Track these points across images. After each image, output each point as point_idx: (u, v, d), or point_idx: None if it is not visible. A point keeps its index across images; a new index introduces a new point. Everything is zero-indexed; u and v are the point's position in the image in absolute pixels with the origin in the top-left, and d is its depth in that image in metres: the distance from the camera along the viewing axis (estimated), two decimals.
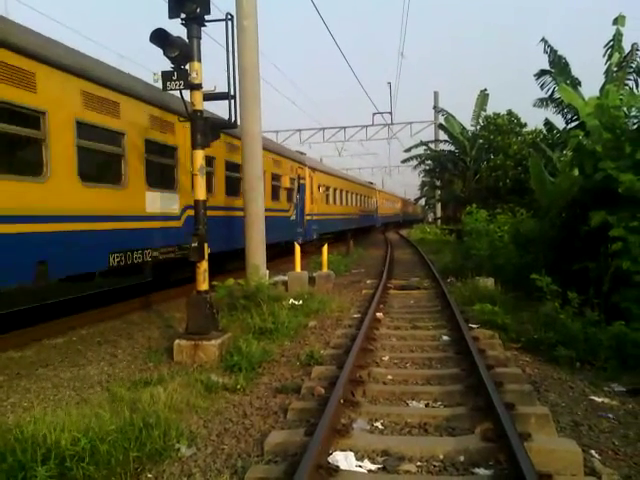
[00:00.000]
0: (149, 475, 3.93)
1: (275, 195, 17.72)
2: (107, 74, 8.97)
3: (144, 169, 9.76)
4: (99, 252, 8.52)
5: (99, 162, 9.14)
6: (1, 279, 6.92)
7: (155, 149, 10.17)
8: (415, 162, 34.67)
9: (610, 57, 14.20)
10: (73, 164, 7.98)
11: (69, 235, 7.85)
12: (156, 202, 9.99)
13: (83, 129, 8.21)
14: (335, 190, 28.79)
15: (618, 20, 13.95)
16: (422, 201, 65.60)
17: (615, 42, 14.10)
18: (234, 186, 13.67)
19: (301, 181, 21.03)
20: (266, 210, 12.01)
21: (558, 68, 15.55)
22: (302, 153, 24.39)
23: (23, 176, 7.24)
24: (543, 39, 16.11)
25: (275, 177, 17.78)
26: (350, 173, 41.80)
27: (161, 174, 10.49)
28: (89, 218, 8.29)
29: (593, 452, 4.18)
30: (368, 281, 14.47)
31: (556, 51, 15.77)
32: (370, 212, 42.15)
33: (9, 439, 3.95)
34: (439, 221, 43.85)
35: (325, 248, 14.35)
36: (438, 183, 36.75)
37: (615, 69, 14.15)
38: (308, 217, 21.96)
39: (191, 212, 8.24)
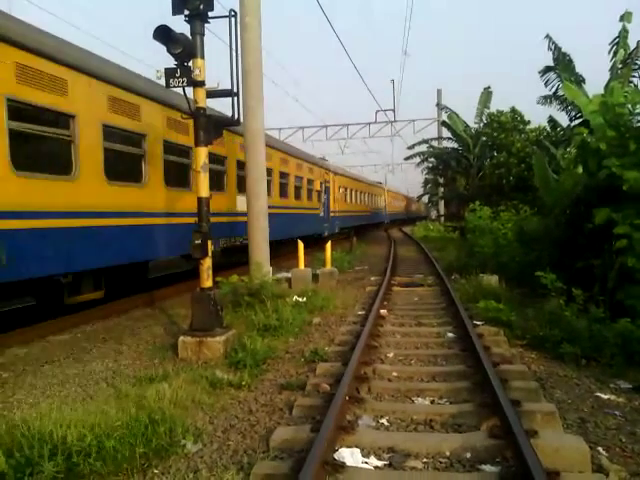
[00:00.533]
0: (155, 471, 3.93)
1: (309, 197, 22.11)
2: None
3: (236, 180, 13.96)
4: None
5: (218, 178, 12.85)
6: (170, 252, 11.02)
7: (240, 166, 13.55)
8: (418, 159, 34.68)
9: (615, 54, 14.16)
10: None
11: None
12: (242, 203, 12.48)
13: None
14: (352, 190, 33.25)
15: (625, 17, 13.89)
16: (425, 198, 65.65)
17: (621, 39, 14.06)
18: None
19: (326, 184, 24.96)
20: (304, 209, 19.65)
21: (562, 65, 15.52)
22: (324, 159, 27.60)
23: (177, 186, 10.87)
24: (547, 36, 16.09)
25: (310, 182, 22.05)
26: (353, 171, 41.75)
27: (241, 183, 13.44)
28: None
29: (600, 449, 4.17)
30: (372, 278, 14.45)
31: (560, 48, 15.75)
32: (380, 209, 47.03)
33: (16, 435, 3.97)
34: (442, 218, 43.84)
35: (329, 245, 14.34)
36: (441, 180, 36.76)
37: (620, 66, 14.12)
38: (332, 214, 26.04)
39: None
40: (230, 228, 13.13)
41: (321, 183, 23.76)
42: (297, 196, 20.14)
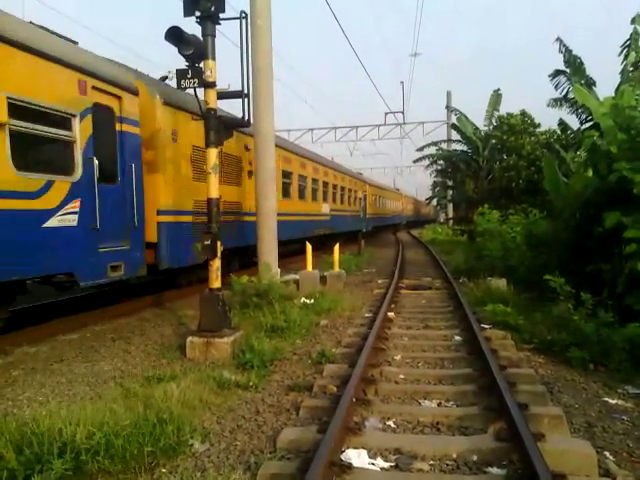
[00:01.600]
0: (163, 470, 3.96)
1: (355, 203, 31.96)
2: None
3: (323, 193, 23.28)
4: (311, 228, 20.78)
5: (313, 190, 21.80)
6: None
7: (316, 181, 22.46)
8: (427, 162, 34.60)
9: (626, 57, 14.08)
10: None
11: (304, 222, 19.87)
12: (325, 208, 23.32)
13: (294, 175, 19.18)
14: (379, 197, 43.15)
15: (636, 19, 13.82)
16: (434, 201, 65.60)
17: (632, 41, 13.98)
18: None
19: (364, 193, 34.83)
20: (352, 212, 30.57)
21: (573, 68, 15.46)
22: (360, 173, 37.48)
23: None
24: (558, 38, 16.03)
25: (355, 192, 31.88)
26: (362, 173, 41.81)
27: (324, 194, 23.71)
28: (302, 215, 19.67)
29: (607, 454, 4.16)
30: (379, 281, 14.46)
31: (571, 50, 15.69)
32: (399, 212, 57.17)
33: (26, 432, 4.00)
34: (451, 221, 43.72)
35: (337, 247, 14.35)
36: (450, 183, 36.62)
37: (631, 69, 14.04)
38: (368, 216, 35.79)
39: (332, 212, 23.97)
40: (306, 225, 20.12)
41: (362, 192, 34.18)
42: (349, 203, 30.22)
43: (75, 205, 7.63)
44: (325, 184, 23.82)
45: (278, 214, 11.70)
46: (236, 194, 13.34)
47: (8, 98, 6.56)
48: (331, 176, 25.33)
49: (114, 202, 8.54)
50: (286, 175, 17.83)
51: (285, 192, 17.73)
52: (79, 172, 7.76)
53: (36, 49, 7.09)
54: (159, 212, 9.90)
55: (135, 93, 9.17)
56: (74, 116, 7.71)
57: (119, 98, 8.73)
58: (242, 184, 13.74)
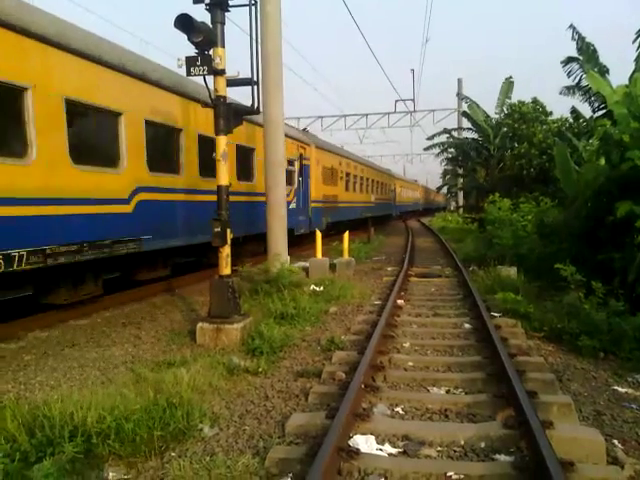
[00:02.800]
0: (173, 454, 4.00)
1: (388, 193, 40.94)
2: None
3: (369, 186, 32.78)
4: (365, 210, 30.35)
5: (365, 185, 31.68)
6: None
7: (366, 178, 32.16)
8: (438, 150, 34.41)
9: None
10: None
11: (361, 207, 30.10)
12: (372, 197, 33.36)
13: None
14: (404, 189, 53.49)
15: None
16: (444, 189, 65.51)
17: None
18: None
19: (394, 186, 44.64)
20: (386, 200, 39.93)
21: (586, 55, 15.25)
22: (389, 170, 45.60)
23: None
24: (571, 26, 15.80)
25: (387, 185, 40.28)
26: (372, 161, 41.78)
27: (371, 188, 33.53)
28: (360, 202, 29.81)
29: (616, 442, 4.16)
30: (389, 268, 14.45)
31: (584, 38, 15.46)
32: (418, 200, 67.95)
33: (38, 416, 4.07)
34: (461, 209, 43.53)
35: (346, 235, 14.34)
36: (461, 171, 36.42)
37: None
38: (397, 204, 46.54)
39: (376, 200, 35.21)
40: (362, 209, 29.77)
41: (392, 185, 43.23)
42: (385, 193, 39.21)
43: (295, 198, 17.18)
44: (370, 180, 32.88)
45: (344, 202, 24.33)
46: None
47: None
48: (373, 174, 34.00)
49: (304, 196, 18.40)
50: (348, 175, 26.54)
51: (347, 187, 26.47)
52: (296, 184, 17.41)
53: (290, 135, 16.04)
54: (311, 201, 19.48)
55: (307, 144, 19.23)
56: (296, 160, 17.41)
57: (304, 148, 18.56)
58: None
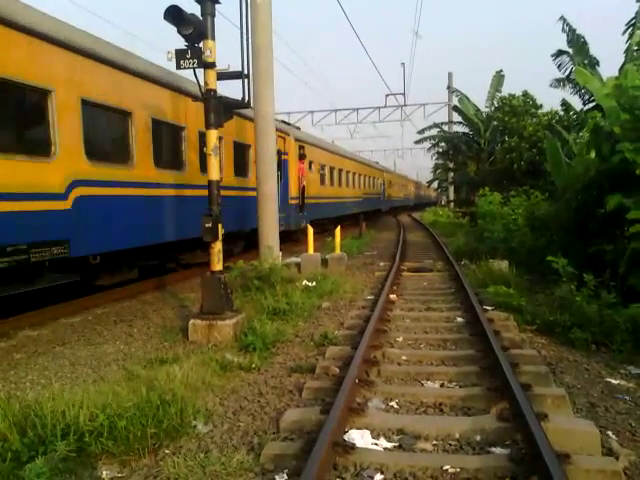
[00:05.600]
0: (167, 451, 3.96)
1: (376, 186, 39.93)
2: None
3: (356, 180, 31.64)
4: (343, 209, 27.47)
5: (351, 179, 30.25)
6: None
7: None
8: (428, 144, 34.44)
9: (631, 36, 13.89)
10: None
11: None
12: (357, 192, 32.11)
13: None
14: (396, 184, 53.86)
15: None
16: (435, 184, 65.79)
17: (637, 20, 13.78)
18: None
19: (384, 179, 43.56)
20: (379, 194, 41.37)
21: (576, 47, 15.29)
22: (377, 163, 46.39)
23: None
24: (562, 17, 15.84)
25: (376, 179, 39.85)
26: (362, 155, 41.77)
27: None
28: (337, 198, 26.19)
29: (610, 433, 4.16)
30: (381, 263, 14.45)
31: (575, 30, 15.49)
32: (408, 195, 67.49)
33: (29, 414, 4.01)
34: (452, 204, 43.64)
35: (338, 230, 14.32)
36: (451, 165, 36.49)
37: (636, 48, 13.86)
38: (387, 198, 45.71)
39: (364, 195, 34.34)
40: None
41: (380, 179, 41.91)
42: (373, 187, 38.16)
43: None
44: (357, 174, 31.68)
45: (329, 197, 23.44)
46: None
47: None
48: (361, 168, 32.90)
49: (282, 192, 15.90)
50: (332, 169, 24.93)
51: (332, 182, 24.98)
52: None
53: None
54: (291, 198, 17.79)
55: (286, 134, 17.70)
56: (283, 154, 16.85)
57: (283, 139, 17.06)
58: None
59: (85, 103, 8.05)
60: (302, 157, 19.36)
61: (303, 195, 19.33)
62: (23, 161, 6.96)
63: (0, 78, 6.68)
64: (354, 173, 30.71)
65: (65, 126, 7.65)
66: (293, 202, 18.12)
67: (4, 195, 6.59)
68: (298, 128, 22.16)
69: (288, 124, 21.25)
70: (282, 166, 17.25)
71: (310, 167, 20.88)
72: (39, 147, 7.37)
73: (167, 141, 10.56)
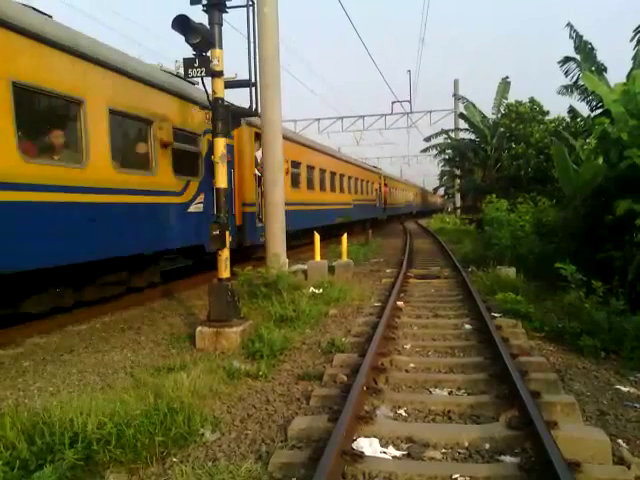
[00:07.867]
0: (174, 459, 3.95)
1: (373, 193, 35.50)
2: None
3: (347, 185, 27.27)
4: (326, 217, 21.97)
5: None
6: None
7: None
8: (435, 151, 34.42)
9: (639, 42, 13.83)
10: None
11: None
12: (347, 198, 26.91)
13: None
14: (396, 189, 49.26)
15: None
16: (441, 190, 65.78)
17: None
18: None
19: (380, 185, 38.03)
20: (369, 201, 33.91)
21: (583, 54, 15.25)
22: (376, 166, 42.49)
23: None
24: (569, 24, 15.81)
25: (372, 184, 35.06)
26: (368, 162, 41.77)
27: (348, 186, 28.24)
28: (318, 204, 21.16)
29: (620, 441, 4.13)
30: (388, 270, 14.41)
31: (582, 36, 15.46)
32: (411, 202, 63.00)
33: (37, 422, 4.01)
34: (458, 211, 43.55)
35: (344, 237, 14.31)
36: (458, 172, 36.44)
37: None
38: (387, 205, 41.00)
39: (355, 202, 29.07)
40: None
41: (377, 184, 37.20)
42: (368, 193, 33.63)
43: (200, 198, 10.94)
44: (347, 177, 27.47)
45: (306, 204, 18.02)
46: None
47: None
48: (352, 170, 28.94)
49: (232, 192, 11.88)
50: (312, 169, 20.86)
51: (310, 185, 20.61)
52: (201, 175, 11.11)
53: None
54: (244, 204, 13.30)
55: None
56: (200, 136, 11.02)
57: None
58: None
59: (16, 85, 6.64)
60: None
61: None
62: None
63: None
64: (341, 175, 25.90)
65: None
66: (248, 210, 13.53)
67: None
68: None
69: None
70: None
71: None
72: None
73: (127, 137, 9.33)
